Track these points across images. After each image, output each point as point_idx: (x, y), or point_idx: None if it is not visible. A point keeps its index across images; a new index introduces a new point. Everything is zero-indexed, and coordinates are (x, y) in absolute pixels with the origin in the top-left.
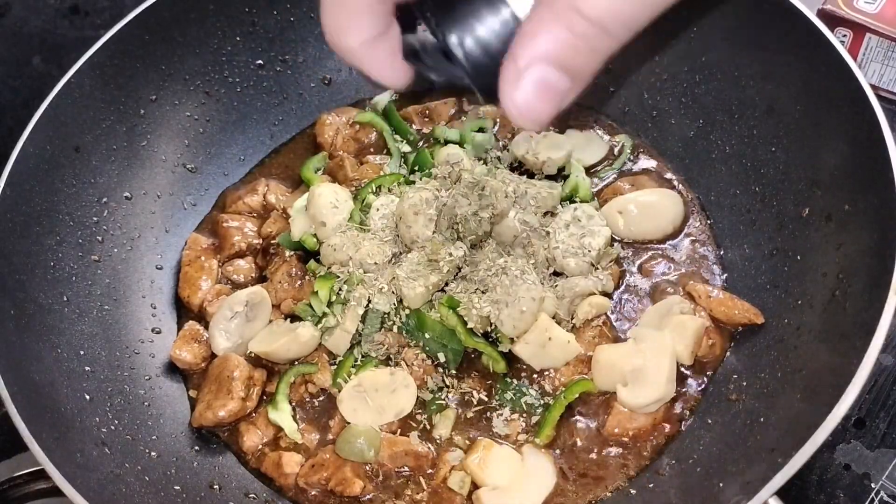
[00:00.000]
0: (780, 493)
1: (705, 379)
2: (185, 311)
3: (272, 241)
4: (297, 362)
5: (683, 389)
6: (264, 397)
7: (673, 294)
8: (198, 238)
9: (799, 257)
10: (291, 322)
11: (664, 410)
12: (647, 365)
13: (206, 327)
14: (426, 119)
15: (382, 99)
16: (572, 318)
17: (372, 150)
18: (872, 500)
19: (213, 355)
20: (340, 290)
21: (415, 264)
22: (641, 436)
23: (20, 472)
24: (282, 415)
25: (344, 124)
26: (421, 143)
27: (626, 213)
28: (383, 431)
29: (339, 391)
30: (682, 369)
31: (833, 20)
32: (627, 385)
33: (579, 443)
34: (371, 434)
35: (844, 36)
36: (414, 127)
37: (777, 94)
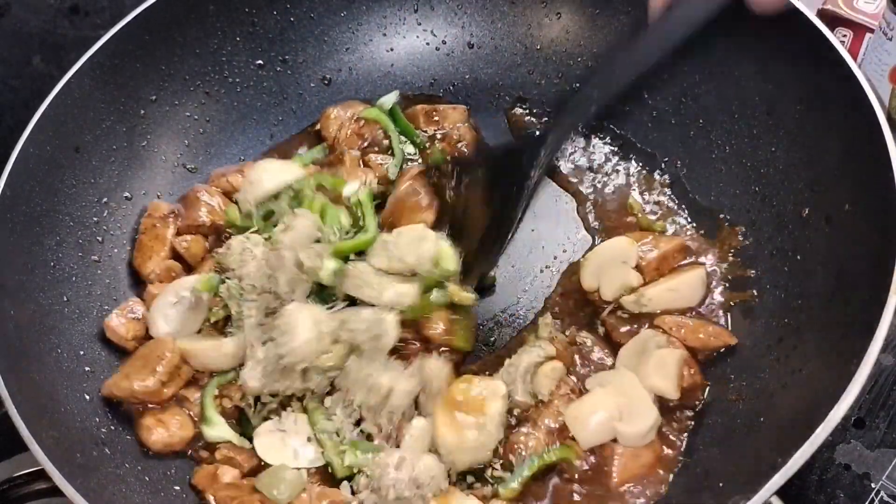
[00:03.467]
0: (780, 493)
1: (692, 409)
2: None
3: (229, 230)
4: (214, 375)
5: (675, 417)
6: (185, 403)
7: (641, 330)
8: (159, 205)
9: (799, 257)
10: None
11: (662, 439)
12: (630, 397)
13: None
14: (434, 121)
15: (388, 100)
16: (538, 397)
17: (376, 148)
18: (872, 500)
19: (149, 337)
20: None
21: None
22: (649, 472)
23: (20, 472)
24: (219, 427)
25: (348, 119)
26: (427, 144)
27: None
28: (313, 481)
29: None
30: (670, 404)
31: (833, 20)
32: (622, 419)
33: None
34: (295, 481)
35: (844, 36)
36: (420, 129)
37: (777, 94)
